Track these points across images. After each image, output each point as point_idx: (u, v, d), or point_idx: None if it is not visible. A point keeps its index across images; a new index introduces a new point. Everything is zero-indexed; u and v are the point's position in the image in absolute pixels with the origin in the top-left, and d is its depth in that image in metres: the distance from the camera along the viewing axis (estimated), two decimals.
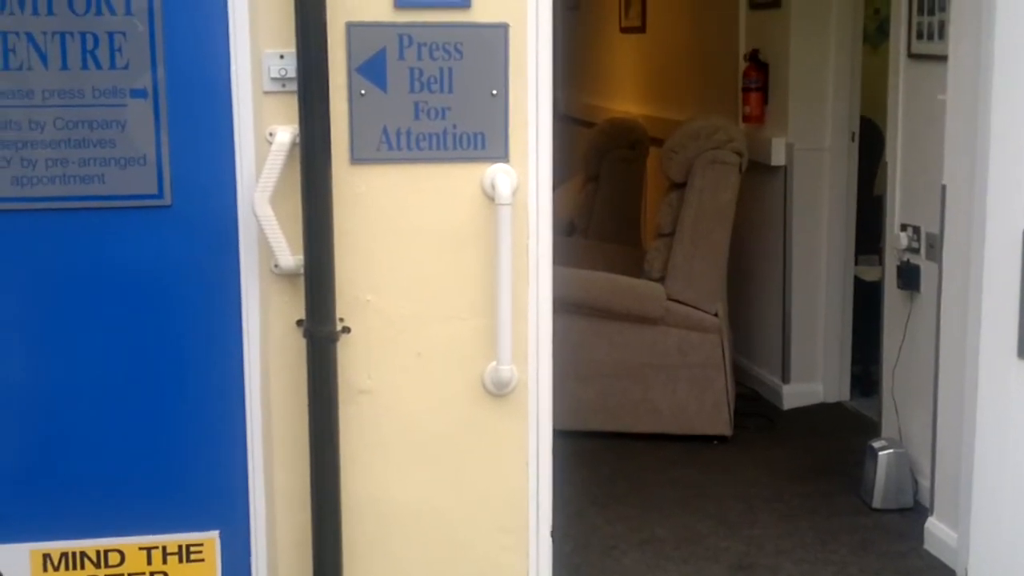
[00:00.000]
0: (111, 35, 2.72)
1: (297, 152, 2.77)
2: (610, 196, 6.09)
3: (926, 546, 3.74)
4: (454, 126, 2.85)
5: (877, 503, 4.04)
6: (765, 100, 5.36)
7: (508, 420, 2.99)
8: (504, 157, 2.88)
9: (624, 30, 7.29)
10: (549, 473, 3.06)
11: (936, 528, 3.69)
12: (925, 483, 3.92)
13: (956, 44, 3.53)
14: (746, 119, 5.44)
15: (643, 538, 3.80)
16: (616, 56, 7.52)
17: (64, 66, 2.72)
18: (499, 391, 2.95)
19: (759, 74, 5.35)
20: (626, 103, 7.19)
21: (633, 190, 6.22)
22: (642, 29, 6.99)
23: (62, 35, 2.72)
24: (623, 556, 3.72)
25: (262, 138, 2.80)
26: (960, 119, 3.50)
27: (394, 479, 2.97)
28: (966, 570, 3.39)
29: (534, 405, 3.00)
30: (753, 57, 5.39)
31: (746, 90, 5.42)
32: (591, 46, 7.89)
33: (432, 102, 2.84)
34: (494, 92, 2.85)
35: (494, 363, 2.92)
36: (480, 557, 3.03)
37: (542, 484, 3.05)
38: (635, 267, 4.97)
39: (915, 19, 4.03)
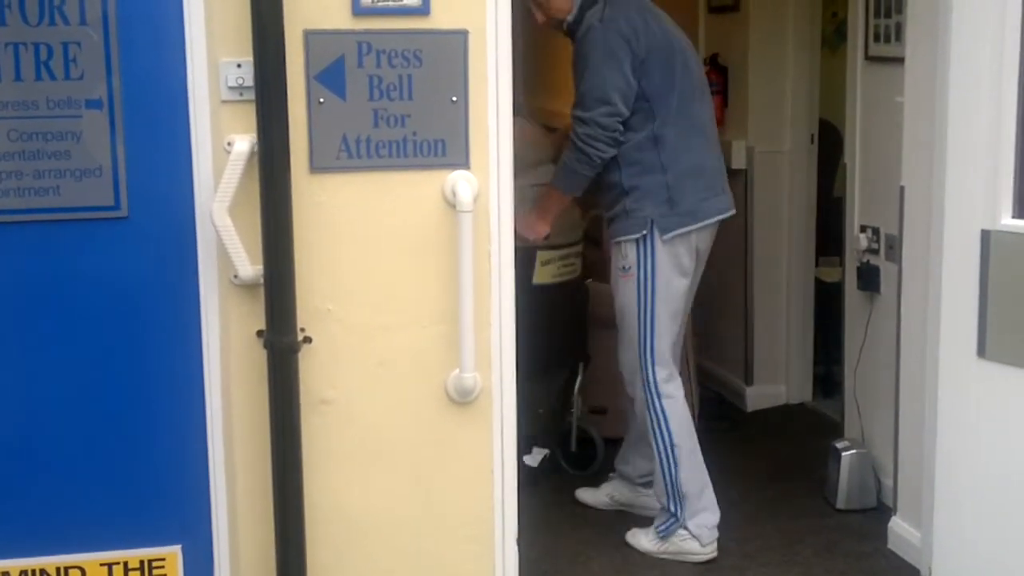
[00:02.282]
0: (65, 45, 2.69)
1: (256, 161, 2.75)
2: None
3: (890, 546, 3.76)
4: (414, 133, 2.84)
5: (841, 504, 4.05)
6: (725, 104, 5.38)
7: (472, 428, 2.98)
8: (465, 164, 2.87)
9: None
10: (514, 480, 3.06)
11: (900, 528, 3.71)
12: (888, 483, 3.94)
13: (913, 46, 3.55)
14: None
15: (610, 543, 3.79)
16: None
17: (18, 77, 2.69)
18: (462, 399, 2.94)
19: (719, 78, 5.37)
20: None
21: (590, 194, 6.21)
22: None
23: (15, 45, 2.68)
24: (590, 561, 3.72)
25: (220, 148, 2.78)
26: (918, 121, 3.52)
27: (358, 489, 2.95)
28: (930, 569, 3.41)
29: (498, 412, 2.99)
30: (712, 61, 5.41)
31: None
32: (551, 51, 7.88)
33: (392, 109, 2.83)
34: (454, 99, 2.84)
35: (457, 370, 2.91)
36: (446, 566, 3.02)
37: (507, 491, 3.04)
38: (599, 268, 4.97)
39: (872, 22, 4.05)
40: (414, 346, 2.92)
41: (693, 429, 3.70)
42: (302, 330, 2.83)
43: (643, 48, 3.52)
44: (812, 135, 5.27)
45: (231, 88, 2.76)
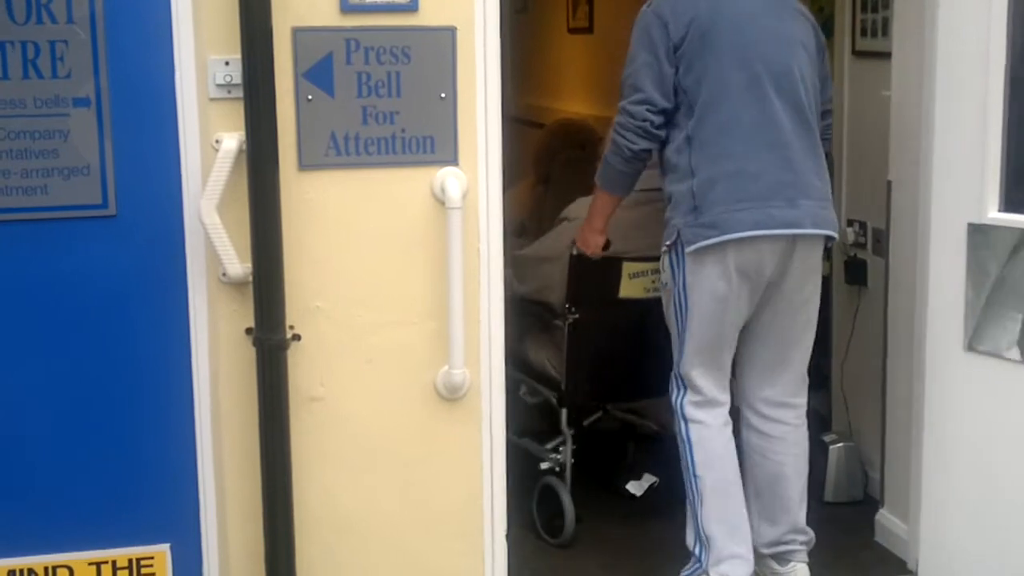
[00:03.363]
0: (52, 44, 2.68)
1: (244, 159, 2.75)
2: (561, 197, 6.05)
3: (877, 538, 3.77)
4: (403, 130, 2.84)
5: (828, 496, 4.06)
6: None
7: (461, 424, 2.98)
8: (454, 160, 2.87)
9: (572, 31, 7.29)
10: (503, 476, 3.06)
11: (887, 520, 3.73)
12: (875, 476, 3.95)
13: (900, 41, 3.56)
14: None
15: (599, 538, 3.79)
16: (564, 57, 7.53)
17: (5, 76, 2.68)
18: (452, 395, 2.95)
19: None
20: (575, 104, 7.19)
21: (584, 190, 6.21)
22: (589, 30, 6.99)
23: (2, 44, 2.68)
24: (580, 556, 3.72)
25: (208, 146, 2.78)
26: (905, 115, 3.53)
27: (347, 486, 2.95)
28: (917, 561, 3.43)
29: (487, 408, 3.00)
30: None
31: None
32: (539, 48, 7.89)
33: (380, 106, 2.83)
34: (443, 95, 2.84)
35: (446, 367, 2.92)
36: (435, 562, 3.03)
37: (496, 487, 3.05)
38: None
39: (859, 16, 4.06)
40: (403, 343, 2.92)
41: (730, 467, 3.23)
42: (291, 328, 2.83)
43: (680, 28, 3.07)
44: None
45: (219, 86, 2.76)
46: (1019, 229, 3.06)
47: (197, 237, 2.81)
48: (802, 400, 3.31)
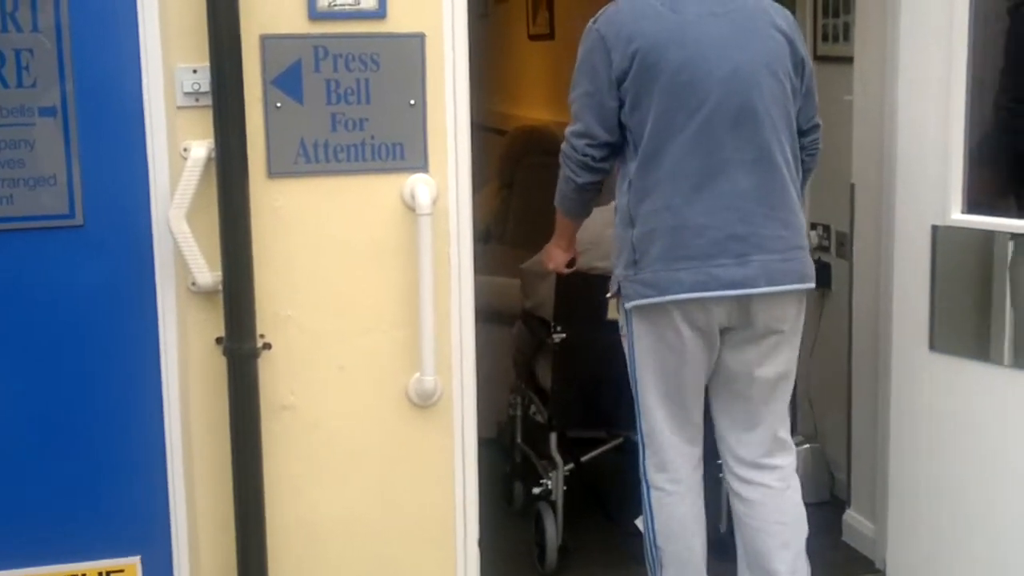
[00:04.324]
0: (18, 52, 2.65)
1: (213, 167, 2.74)
2: (525, 203, 6.10)
3: (844, 538, 3.81)
4: (372, 137, 2.84)
5: None
6: None
7: (433, 431, 2.98)
8: (423, 167, 2.87)
9: (532, 37, 7.30)
10: (475, 483, 3.06)
11: (854, 520, 3.77)
12: (841, 477, 3.99)
13: (861, 46, 3.60)
14: None
15: (567, 545, 3.77)
16: (525, 64, 7.54)
17: None
18: (423, 402, 2.94)
19: None
20: (537, 110, 7.21)
21: (547, 196, 6.22)
22: (551, 36, 7.01)
23: None
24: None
25: (176, 154, 2.76)
26: (867, 119, 3.58)
27: (320, 495, 2.94)
28: (884, 560, 3.47)
29: (459, 415, 3.00)
30: None
31: None
32: (500, 54, 7.90)
33: (349, 113, 2.82)
34: (412, 102, 2.84)
35: (418, 374, 2.91)
36: (409, 569, 3.02)
37: (468, 494, 3.04)
38: None
39: (820, 21, 4.11)
40: (375, 350, 2.91)
41: (692, 537, 3.01)
42: (261, 336, 2.82)
43: (625, 60, 2.76)
44: None
45: (187, 94, 2.75)
46: (982, 231, 3.10)
47: (166, 246, 2.79)
48: (782, 461, 3.00)
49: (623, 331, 2.98)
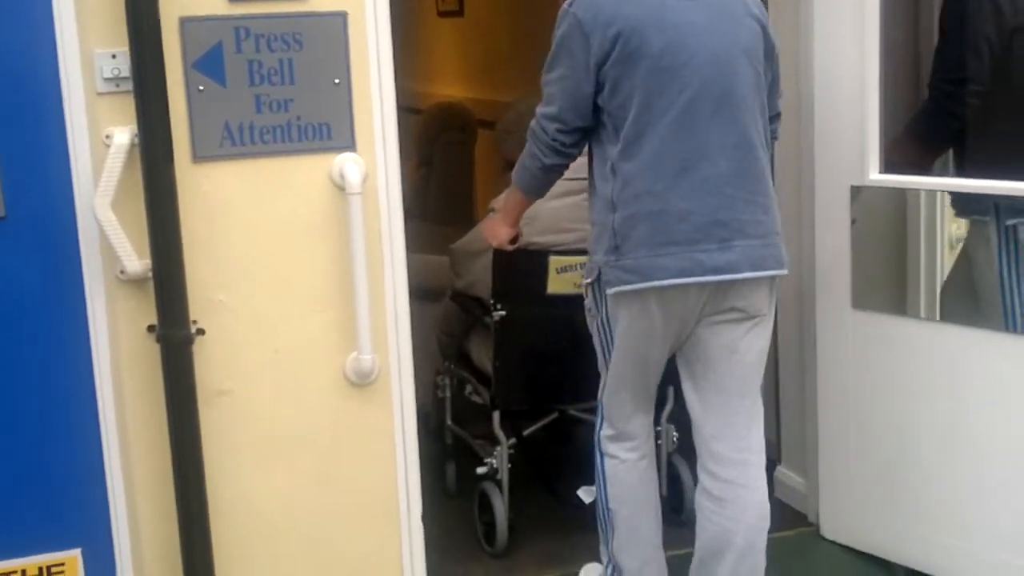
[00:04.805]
0: None
1: (136, 153, 2.70)
2: (444, 179, 6.12)
3: (777, 495, 3.89)
4: (298, 117, 2.82)
5: None
6: None
7: (373, 409, 2.98)
8: (351, 146, 2.86)
9: (441, 14, 7.30)
10: (416, 459, 3.07)
11: (784, 476, 3.85)
12: (771, 435, 4.07)
13: (776, 7, 3.66)
14: None
15: (509, 518, 3.77)
16: (436, 41, 7.54)
17: None
18: (361, 381, 2.95)
19: None
20: (450, 87, 7.22)
21: (465, 172, 6.26)
22: (460, 13, 7.02)
23: None
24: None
25: (98, 141, 2.71)
26: (783, 82, 3.64)
27: (261, 479, 2.92)
28: (817, 513, 3.56)
29: (397, 392, 3.00)
30: None
31: None
32: (410, 32, 7.88)
33: (274, 94, 2.80)
34: (336, 81, 2.83)
35: (354, 353, 2.91)
36: (354, 548, 3.02)
37: (410, 470, 3.06)
38: None
39: None
40: (310, 332, 2.90)
41: (644, 500, 3.08)
42: (194, 322, 2.79)
43: (605, 43, 2.72)
44: None
45: (107, 79, 2.70)
46: (897, 189, 3.19)
47: (91, 235, 2.75)
48: (756, 459, 2.96)
49: (591, 311, 2.98)
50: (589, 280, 2.93)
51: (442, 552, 3.39)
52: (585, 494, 3.53)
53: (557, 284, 3.40)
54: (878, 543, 3.36)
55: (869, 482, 3.35)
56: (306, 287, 2.89)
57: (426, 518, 3.11)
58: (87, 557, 2.87)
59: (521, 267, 3.37)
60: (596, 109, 2.82)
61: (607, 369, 3.01)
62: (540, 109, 2.89)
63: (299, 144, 2.83)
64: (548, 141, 2.87)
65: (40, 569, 2.84)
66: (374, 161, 2.89)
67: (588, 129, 2.86)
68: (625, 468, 3.06)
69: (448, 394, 3.97)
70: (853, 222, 3.24)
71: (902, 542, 3.30)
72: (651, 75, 2.72)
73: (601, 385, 3.06)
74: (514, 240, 3.26)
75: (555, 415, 3.86)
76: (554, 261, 3.39)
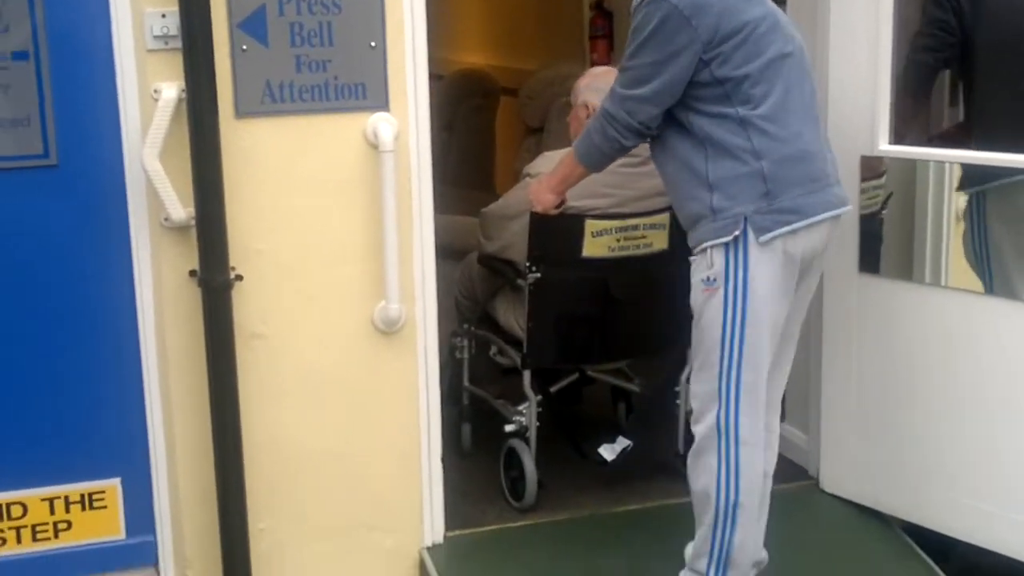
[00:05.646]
0: None
1: (183, 108, 2.86)
2: (465, 144, 6.25)
3: (779, 450, 4.04)
4: (335, 78, 2.98)
5: None
6: (611, 47, 5.59)
7: (398, 355, 3.15)
8: (385, 106, 3.02)
9: None
10: (438, 403, 3.25)
11: (788, 432, 3.97)
12: None
13: None
14: (593, 65, 5.66)
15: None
16: (462, 8, 7.64)
17: None
18: (389, 329, 3.11)
19: (604, 22, 5.58)
20: (473, 54, 7.33)
21: (486, 138, 6.39)
22: None
23: None
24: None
25: (147, 95, 2.88)
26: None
27: (291, 419, 3.10)
28: (818, 469, 3.72)
29: (422, 340, 3.18)
30: (598, 6, 5.61)
31: (593, 38, 5.64)
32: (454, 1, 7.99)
33: (313, 55, 2.95)
34: (372, 44, 2.98)
35: (383, 302, 3.08)
36: (377, 487, 3.20)
37: (432, 413, 3.23)
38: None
39: None
40: (341, 281, 3.07)
41: (762, 487, 2.99)
42: (233, 268, 2.95)
43: (711, 26, 2.80)
44: None
45: (156, 37, 2.86)
46: (906, 160, 3.34)
47: (138, 184, 2.92)
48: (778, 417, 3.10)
49: (715, 284, 2.86)
50: (733, 235, 2.82)
51: (460, 495, 3.55)
52: (607, 452, 3.64)
53: (592, 248, 3.45)
54: (875, 497, 3.51)
55: (868, 439, 3.50)
56: (339, 239, 3.05)
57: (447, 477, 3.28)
58: (126, 486, 3.06)
59: (558, 231, 3.43)
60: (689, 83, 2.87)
61: (739, 346, 2.87)
62: (626, 91, 2.87)
63: (336, 103, 2.99)
64: (635, 124, 2.88)
65: (82, 496, 3.03)
66: (406, 121, 3.04)
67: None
68: (757, 457, 2.93)
69: (465, 356, 3.99)
70: (861, 191, 3.38)
71: (898, 496, 3.45)
72: (760, 39, 2.84)
73: (726, 370, 2.89)
74: (559, 207, 3.33)
75: (576, 376, 3.92)
76: (590, 225, 3.44)
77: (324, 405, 3.12)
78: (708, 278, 2.87)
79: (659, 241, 3.49)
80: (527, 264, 3.46)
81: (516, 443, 3.68)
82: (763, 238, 2.81)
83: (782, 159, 2.83)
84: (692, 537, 3.09)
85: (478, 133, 6.38)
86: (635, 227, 3.47)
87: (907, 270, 3.39)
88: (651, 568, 3.27)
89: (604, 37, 5.59)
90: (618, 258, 3.43)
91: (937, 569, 3.30)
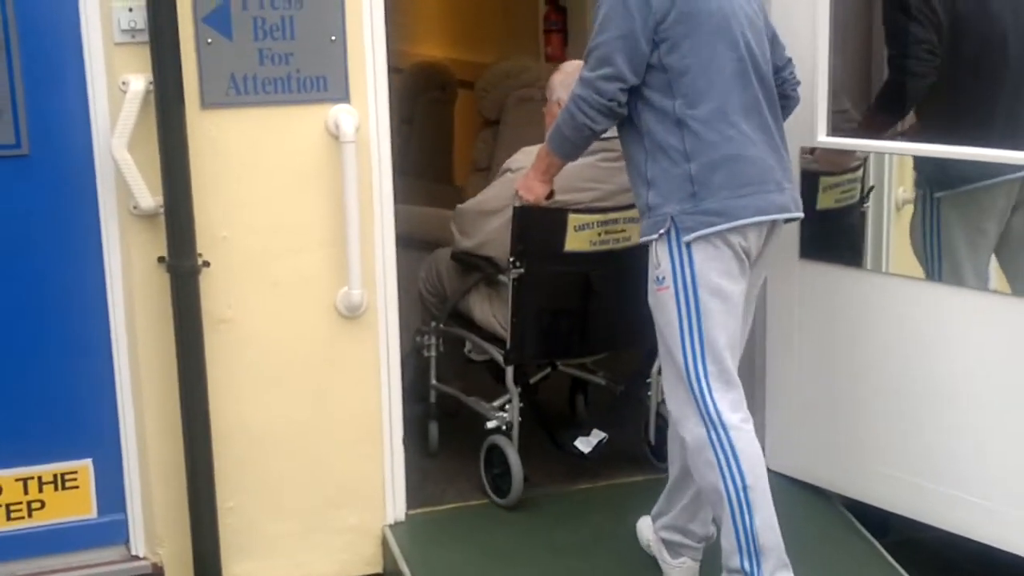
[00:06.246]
0: None
1: (150, 100, 2.95)
2: (424, 136, 6.36)
3: None
4: (297, 70, 3.09)
5: None
6: (565, 41, 5.72)
7: (360, 340, 3.26)
8: (345, 98, 3.13)
9: None
10: (399, 386, 3.36)
11: None
12: None
13: None
14: (548, 58, 5.79)
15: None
16: (419, 2, 7.75)
17: None
18: (351, 314, 3.22)
19: (559, 16, 5.71)
20: (431, 47, 7.44)
21: (445, 130, 6.51)
22: None
23: None
24: (465, 458, 3.82)
25: (115, 87, 2.97)
26: None
27: (258, 401, 3.20)
28: (763, 446, 3.84)
29: (383, 325, 3.29)
30: (553, 0, 5.73)
31: (547, 31, 5.77)
32: None
33: (276, 48, 3.06)
34: (333, 38, 3.09)
35: (345, 288, 3.19)
36: (341, 467, 3.31)
37: (393, 396, 3.35)
38: (452, 201, 5.26)
39: None
40: (305, 267, 3.18)
41: (764, 468, 2.98)
42: (200, 255, 3.05)
43: (665, 5, 2.86)
44: None
45: (124, 31, 2.95)
46: (844, 151, 3.50)
47: (107, 173, 3.01)
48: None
49: (664, 281, 2.93)
50: (659, 233, 2.90)
51: (421, 475, 3.66)
52: (583, 444, 3.66)
53: (574, 242, 3.49)
54: (817, 474, 3.66)
55: (810, 419, 3.65)
56: (302, 226, 3.16)
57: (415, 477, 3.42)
58: (98, 466, 3.16)
59: (541, 225, 3.43)
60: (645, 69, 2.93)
61: (696, 336, 2.92)
62: (592, 73, 2.90)
63: (298, 95, 3.10)
64: (604, 103, 2.89)
65: (55, 476, 3.12)
66: (366, 112, 3.16)
67: (633, 89, 2.94)
68: (750, 437, 2.95)
69: (434, 353, 3.94)
70: (803, 179, 3.53)
71: (840, 473, 3.61)
72: (711, 33, 2.89)
73: (691, 366, 2.93)
74: (549, 196, 3.30)
75: (549, 369, 3.93)
76: (573, 219, 3.46)
77: (289, 387, 3.23)
78: (658, 277, 2.94)
79: (636, 234, 3.34)
80: (511, 259, 3.45)
81: (499, 439, 3.63)
82: (686, 238, 2.87)
83: (711, 162, 2.88)
84: (648, 512, 3.25)
85: (437, 126, 6.49)
86: (615, 221, 3.52)
87: (846, 256, 3.54)
88: (610, 544, 3.40)
89: (559, 31, 5.73)
90: (599, 252, 3.49)
91: (876, 543, 3.46)
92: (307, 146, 3.13)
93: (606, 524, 3.50)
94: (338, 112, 3.12)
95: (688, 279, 2.90)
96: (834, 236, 3.60)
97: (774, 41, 3.12)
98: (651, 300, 2.99)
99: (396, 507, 3.41)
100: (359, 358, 3.27)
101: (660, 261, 2.92)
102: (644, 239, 2.96)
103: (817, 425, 3.63)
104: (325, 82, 3.12)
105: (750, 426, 2.97)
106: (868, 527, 3.53)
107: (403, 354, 3.44)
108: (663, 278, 2.93)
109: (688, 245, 2.88)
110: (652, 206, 2.93)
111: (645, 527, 3.35)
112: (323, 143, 3.14)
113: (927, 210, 3.44)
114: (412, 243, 4.71)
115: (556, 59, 5.74)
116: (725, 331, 2.93)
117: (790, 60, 3.18)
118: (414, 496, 3.50)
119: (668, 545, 3.22)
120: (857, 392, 3.53)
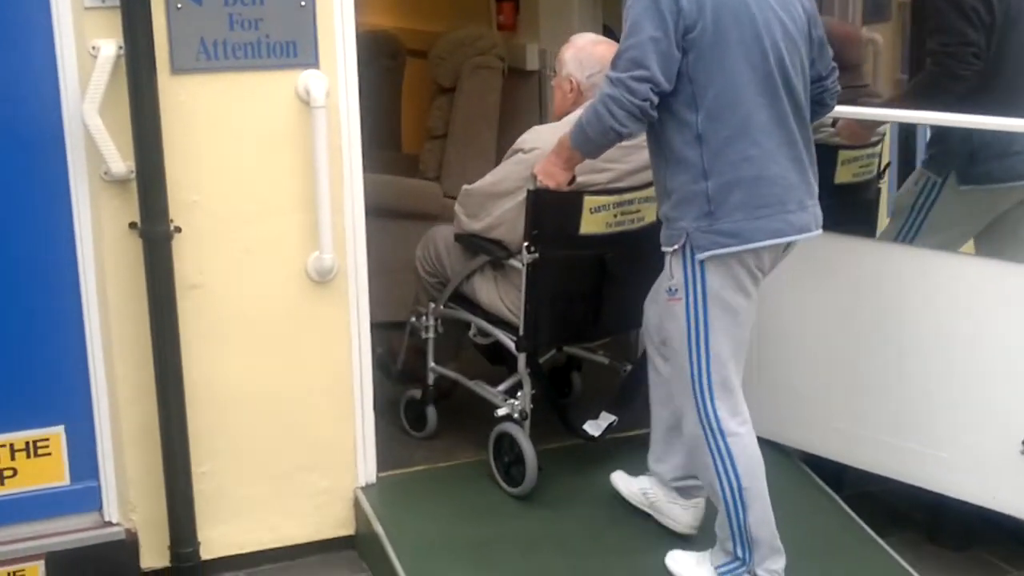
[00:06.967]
0: None
1: (120, 65, 2.95)
2: (374, 105, 6.32)
3: None
4: (267, 36, 3.09)
5: None
6: (517, 9, 5.74)
7: (331, 305, 3.30)
8: (315, 64, 3.15)
9: None
10: (369, 351, 3.40)
11: None
12: None
13: None
14: (500, 27, 5.80)
15: (445, 406, 3.90)
16: None
17: None
18: (322, 278, 3.25)
19: None
20: (379, 16, 7.42)
21: (394, 99, 6.51)
22: None
23: None
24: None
25: (84, 52, 2.96)
26: None
27: (230, 365, 3.23)
28: None
29: (354, 290, 3.32)
30: None
31: (499, 0, 5.79)
32: None
33: (245, 14, 3.07)
34: (302, 3, 3.11)
35: (316, 253, 3.21)
36: (311, 429, 3.35)
37: (364, 359, 3.38)
38: (404, 169, 5.28)
39: None
40: (276, 232, 3.20)
41: (761, 468, 3.03)
42: (171, 221, 3.06)
43: (694, 14, 2.78)
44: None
45: None
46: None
47: (77, 139, 3.01)
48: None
49: (676, 292, 2.92)
50: (675, 247, 2.88)
51: (389, 438, 3.71)
52: (592, 428, 3.61)
53: (590, 224, 3.40)
54: (775, 431, 3.76)
55: (768, 377, 3.75)
56: (273, 191, 3.18)
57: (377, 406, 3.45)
58: (70, 433, 3.16)
59: (556, 208, 3.34)
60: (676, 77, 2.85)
61: (703, 347, 2.93)
62: (622, 74, 2.79)
63: (268, 60, 3.11)
64: (636, 103, 2.78)
65: (27, 443, 3.12)
66: (336, 78, 3.18)
67: (664, 95, 2.85)
68: (747, 441, 3.00)
69: (431, 335, 3.82)
70: None
71: (798, 430, 3.72)
72: (736, 48, 2.81)
73: (696, 374, 2.95)
74: (571, 182, 3.22)
75: (554, 352, 3.87)
76: (588, 201, 3.37)
77: (261, 352, 3.25)
78: (671, 288, 2.94)
79: (651, 214, 3.41)
80: (526, 244, 3.34)
81: (510, 427, 3.52)
82: (699, 256, 2.85)
83: (728, 182, 2.82)
84: (617, 468, 3.36)
85: (386, 94, 6.49)
86: (630, 202, 3.45)
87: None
88: (576, 499, 3.48)
89: (510, 0, 5.74)
90: (614, 233, 3.41)
91: (833, 494, 3.59)
92: (277, 111, 3.15)
93: (578, 481, 3.57)
94: (308, 77, 3.13)
95: (699, 294, 2.90)
96: None
97: (821, 48, 3.04)
98: (662, 306, 3.04)
99: (367, 469, 3.46)
100: (330, 322, 3.30)
101: (674, 273, 2.92)
102: (664, 249, 2.94)
103: (776, 383, 3.73)
104: (295, 47, 3.13)
105: (748, 428, 3.02)
106: (825, 480, 3.65)
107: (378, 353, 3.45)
108: (676, 290, 2.93)
109: (701, 262, 2.87)
110: (670, 218, 2.91)
111: (625, 479, 3.43)
112: (293, 108, 3.15)
113: (930, 187, 3.55)
114: (368, 211, 4.74)
115: (508, 28, 5.77)
116: (731, 342, 2.95)
117: (835, 68, 3.10)
118: (384, 458, 3.54)
119: (682, 491, 3.30)
120: (813, 352, 3.64)
